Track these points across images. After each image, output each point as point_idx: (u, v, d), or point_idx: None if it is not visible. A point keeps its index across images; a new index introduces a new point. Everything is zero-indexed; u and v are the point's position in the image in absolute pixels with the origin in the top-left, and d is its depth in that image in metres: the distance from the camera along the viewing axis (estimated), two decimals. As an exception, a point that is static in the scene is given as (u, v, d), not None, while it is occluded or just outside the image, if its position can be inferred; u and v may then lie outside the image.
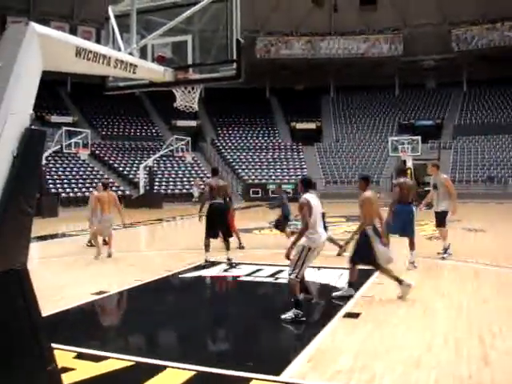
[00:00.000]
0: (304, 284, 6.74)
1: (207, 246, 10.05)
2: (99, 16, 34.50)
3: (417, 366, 4.63)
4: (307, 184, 6.66)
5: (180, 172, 38.26)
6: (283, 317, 6.05)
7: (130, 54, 5.24)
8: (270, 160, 41.90)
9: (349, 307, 6.71)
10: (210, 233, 10.09)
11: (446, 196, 10.24)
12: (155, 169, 34.34)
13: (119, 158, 38.64)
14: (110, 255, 10.83)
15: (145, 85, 5.89)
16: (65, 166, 34.39)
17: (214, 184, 10.18)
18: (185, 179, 37.19)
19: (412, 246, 9.34)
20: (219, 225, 10.10)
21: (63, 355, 4.71)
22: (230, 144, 44.40)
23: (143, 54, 5.55)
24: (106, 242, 11.62)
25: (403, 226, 9.23)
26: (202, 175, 37.99)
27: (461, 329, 5.71)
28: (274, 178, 38.75)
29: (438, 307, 6.68)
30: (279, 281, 8.36)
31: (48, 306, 5.98)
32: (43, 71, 3.71)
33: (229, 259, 9.98)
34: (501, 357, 4.83)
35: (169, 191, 35.04)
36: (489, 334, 5.49)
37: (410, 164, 35.37)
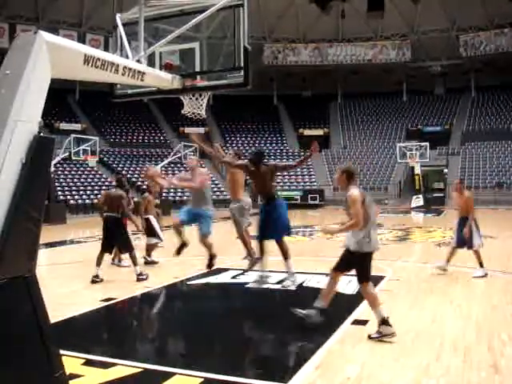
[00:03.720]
0: None
1: (99, 260, 9.11)
2: (107, 24, 34.95)
3: (425, 374, 4.60)
4: None
5: (188, 179, 38.21)
6: None
7: (138, 61, 5.26)
8: (278, 167, 41.75)
9: (357, 314, 6.68)
10: (103, 246, 9.37)
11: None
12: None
13: (127, 165, 38.77)
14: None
15: (153, 92, 5.90)
16: (73, 173, 34.56)
17: (111, 195, 9.61)
18: (193, 186, 37.12)
19: None
20: (111, 238, 9.32)
21: (71, 362, 4.72)
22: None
23: (151, 61, 5.57)
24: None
25: None
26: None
27: (470, 336, 5.66)
28: (281, 184, 38.74)
29: (446, 314, 6.64)
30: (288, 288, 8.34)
31: (56, 313, 6.00)
32: (52, 79, 3.74)
33: (138, 274, 9.16)
34: (510, 364, 4.79)
35: (177, 198, 35.08)
36: (498, 341, 5.45)
37: (418, 170, 35.34)
